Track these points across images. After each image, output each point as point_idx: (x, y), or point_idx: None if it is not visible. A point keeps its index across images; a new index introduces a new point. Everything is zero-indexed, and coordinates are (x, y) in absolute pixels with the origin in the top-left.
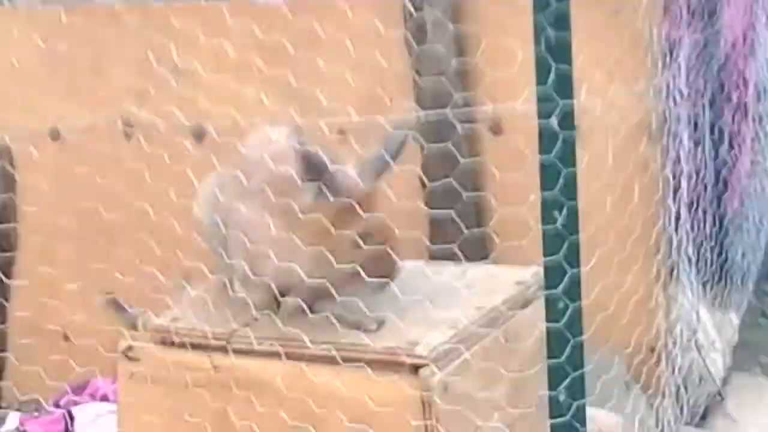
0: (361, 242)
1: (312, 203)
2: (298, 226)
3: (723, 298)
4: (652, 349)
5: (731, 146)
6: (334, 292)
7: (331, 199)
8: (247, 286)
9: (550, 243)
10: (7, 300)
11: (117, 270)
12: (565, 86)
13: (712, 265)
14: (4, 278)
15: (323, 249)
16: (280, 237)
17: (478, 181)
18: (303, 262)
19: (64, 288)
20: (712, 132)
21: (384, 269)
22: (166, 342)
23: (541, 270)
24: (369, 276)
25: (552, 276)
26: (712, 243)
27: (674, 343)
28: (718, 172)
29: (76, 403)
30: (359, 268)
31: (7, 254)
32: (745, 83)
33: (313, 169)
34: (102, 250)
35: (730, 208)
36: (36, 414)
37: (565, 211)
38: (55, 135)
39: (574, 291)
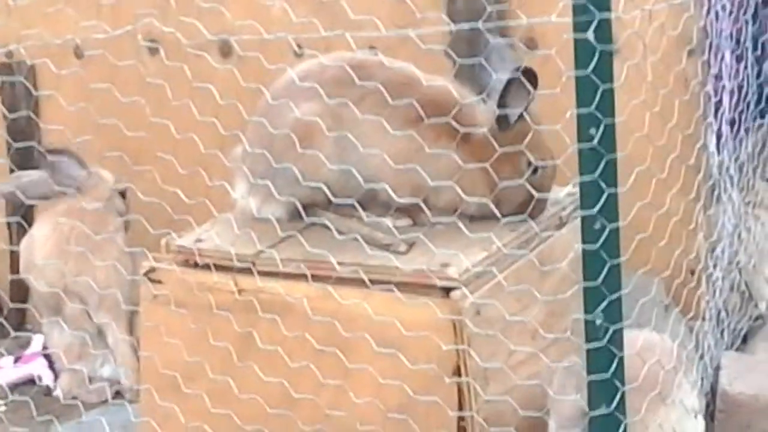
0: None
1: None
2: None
3: None
4: (692, 272)
5: None
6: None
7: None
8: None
9: (587, 161)
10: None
11: (140, 189)
12: None
13: (754, 185)
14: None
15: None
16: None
17: None
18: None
19: None
20: (755, 48)
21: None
22: (190, 263)
23: (577, 189)
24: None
25: (588, 195)
26: (755, 163)
27: (715, 266)
28: (760, 89)
29: None
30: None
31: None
32: None
33: None
34: (124, 168)
35: None
36: None
37: (601, 127)
38: (79, 53)
39: (611, 211)
